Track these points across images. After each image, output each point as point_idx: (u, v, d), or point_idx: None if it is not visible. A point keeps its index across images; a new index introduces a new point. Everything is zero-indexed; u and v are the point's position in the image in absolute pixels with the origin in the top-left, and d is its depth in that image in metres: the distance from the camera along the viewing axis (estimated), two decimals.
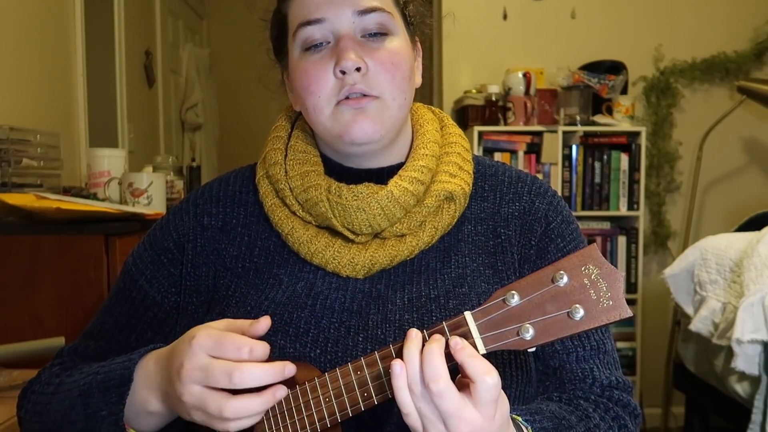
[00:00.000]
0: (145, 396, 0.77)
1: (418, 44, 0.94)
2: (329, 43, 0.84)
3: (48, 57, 2.42)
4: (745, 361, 1.92)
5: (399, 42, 0.86)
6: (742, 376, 2.00)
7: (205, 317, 0.89)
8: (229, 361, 0.68)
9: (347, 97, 0.83)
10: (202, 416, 0.70)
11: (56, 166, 2.02)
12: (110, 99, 3.14)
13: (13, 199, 1.55)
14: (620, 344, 2.98)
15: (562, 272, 0.65)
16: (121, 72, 3.18)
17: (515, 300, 0.66)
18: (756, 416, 1.94)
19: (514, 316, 0.66)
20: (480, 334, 0.67)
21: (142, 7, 3.58)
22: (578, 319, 0.65)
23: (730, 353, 1.96)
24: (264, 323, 0.72)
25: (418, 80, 0.92)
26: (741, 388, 2.03)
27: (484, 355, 0.67)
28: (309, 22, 0.83)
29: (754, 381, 1.97)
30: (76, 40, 2.61)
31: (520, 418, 0.76)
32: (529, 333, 0.65)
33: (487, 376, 0.64)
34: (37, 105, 2.32)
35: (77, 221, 1.54)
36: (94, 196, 1.86)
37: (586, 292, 0.65)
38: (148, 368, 0.77)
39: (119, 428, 0.78)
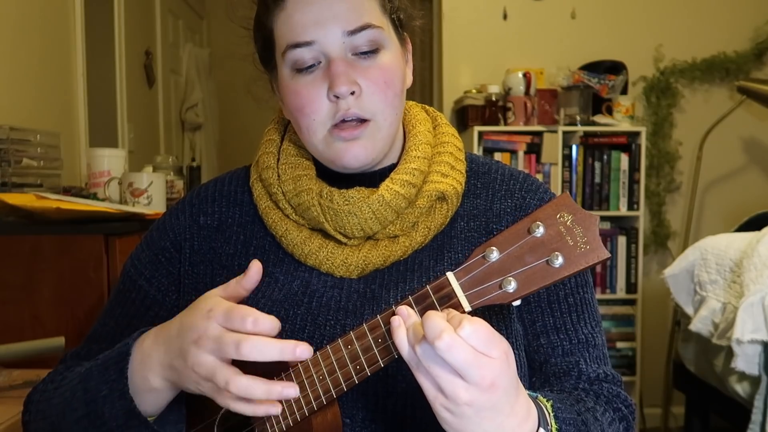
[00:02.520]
0: (143, 375, 0.77)
1: (408, 43, 0.93)
2: (320, 62, 0.83)
3: (48, 57, 2.41)
4: (745, 361, 1.92)
5: (390, 55, 0.86)
6: (742, 376, 2.00)
7: None
8: (240, 332, 0.69)
9: (343, 120, 0.83)
10: (210, 388, 0.71)
11: (56, 166, 2.02)
12: (110, 99, 3.14)
13: (13, 199, 1.55)
14: (620, 344, 2.98)
15: (538, 222, 0.66)
16: (121, 72, 3.18)
17: (495, 255, 0.67)
18: (756, 416, 1.94)
19: (495, 270, 0.67)
20: (464, 292, 0.67)
21: (142, 7, 3.58)
22: (558, 266, 0.65)
23: (730, 353, 1.96)
24: (254, 270, 0.75)
25: (409, 81, 0.92)
26: (741, 388, 2.03)
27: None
28: (298, 45, 0.82)
29: (754, 381, 1.97)
30: (76, 40, 2.61)
31: (537, 394, 0.75)
32: (511, 285, 0.66)
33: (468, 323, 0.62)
34: (37, 105, 2.32)
35: (77, 221, 1.54)
36: (94, 196, 1.86)
37: (563, 239, 0.66)
38: (144, 348, 0.77)
39: (126, 401, 0.77)
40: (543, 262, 0.65)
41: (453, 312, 0.65)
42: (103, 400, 0.78)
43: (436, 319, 0.62)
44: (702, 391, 2.38)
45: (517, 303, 0.67)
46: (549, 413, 0.72)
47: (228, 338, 0.69)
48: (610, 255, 0.66)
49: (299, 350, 0.69)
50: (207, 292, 0.76)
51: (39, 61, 2.35)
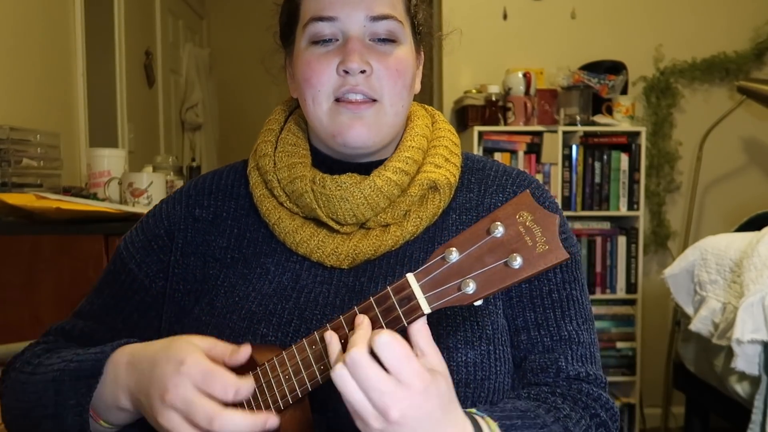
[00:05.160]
0: (114, 393, 0.78)
1: (422, 53, 0.96)
2: (337, 40, 0.86)
3: (48, 57, 2.42)
4: (745, 361, 1.92)
5: (405, 50, 0.88)
6: (742, 376, 2.00)
7: (194, 307, 0.90)
8: (214, 402, 0.69)
9: (347, 98, 0.84)
10: None
11: (56, 166, 2.02)
12: (110, 99, 3.14)
13: (13, 199, 1.55)
14: (620, 344, 2.98)
15: (497, 223, 0.65)
16: (121, 72, 3.18)
17: (454, 256, 0.66)
18: (756, 416, 1.93)
19: (454, 272, 0.66)
20: (423, 294, 0.67)
21: (142, 7, 3.58)
22: (517, 267, 0.64)
23: (730, 353, 1.96)
24: (244, 354, 0.74)
25: (417, 87, 0.94)
26: (741, 388, 2.03)
27: (431, 323, 0.68)
28: (321, 18, 0.85)
29: (754, 381, 1.97)
30: (76, 40, 2.61)
31: (474, 410, 0.74)
32: (470, 287, 0.65)
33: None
34: (37, 105, 2.32)
35: (77, 221, 1.54)
36: (94, 196, 1.86)
37: (522, 240, 0.65)
38: (118, 367, 0.78)
39: (83, 419, 0.79)
40: (501, 264, 0.65)
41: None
42: (70, 408, 0.80)
43: (357, 332, 0.65)
44: (702, 391, 2.38)
45: (478, 303, 0.67)
46: None
47: (200, 408, 0.69)
48: (568, 256, 0.65)
49: (269, 422, 0.70)
50: (187, 337, 0.75)
51: (39, 61, 2.35)
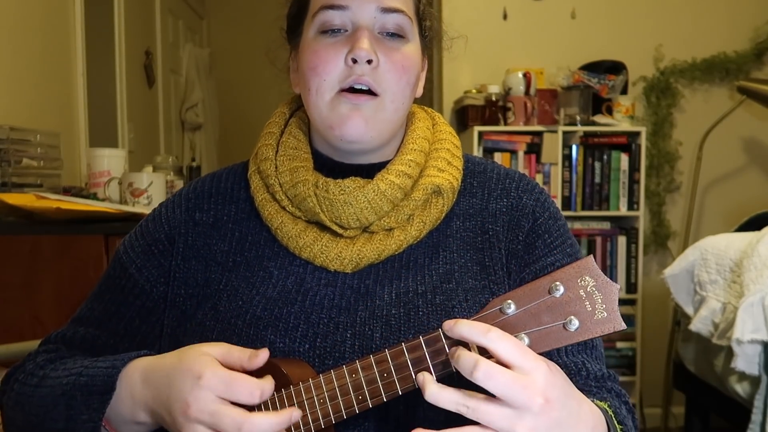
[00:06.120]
0: (132, 409, 0.78)
1: (426, 57, 0.96)
2: (346, 31, 0.86)
3: (48, 57, 2.42)
4: (745, 361, 1.92)
5: (412, 49, 0.88)
6: (742, 376, 2.00)
7: (197, 312, 0.89)
8: (239, 408, 0.70)
9: (351, 88, 0.84)
10: None
11: (56, 166, 2.02)
12: (110, 99, 3.15)
13: (13, 199, 1.55)
14: (620, 344, 2.98)
15: (558, 283, 0.66)
16: (121, 72, 3.18)
17: (512, 309, 0.67)
18: (756, 416, 1.94)
19: (510, 325, 0.66)
20: None
21: (142, 7, 3.58)
22: (573, 330, 0.65)
23: (730, 353, 1.96)
24: (263, 356, 0.73)
25: (420, 91, 0.94)
26: (741, 388, 2.03)
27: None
28: (332, 7, 0.85)
29: (754, 381, 1.97)
30: (76, 40, 2.61)
31: (591, 399, 0.75)
32: (524, 342, 0.66)
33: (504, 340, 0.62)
34: (37, 105, 2.32)
35: (77, 221, 1.54)
36: (94, 196, 1.86)
37: (582, 304, 0.65)
38: (133, 383, 0.78)
39: None
40: (559, 325, 0.65)
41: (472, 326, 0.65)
42: (82, 423, 0.80)
43: (466, 353, 0.63)
44: (702, 391, 2.38)
45: None
46: (611, 416, 0.73)
47: (227, 417, 0.69)
48: (625, 326, 0.66)
49: (294, 416, 0.71)
50: (200, 347, 0.75)
51: (39, 61, 2.35)
